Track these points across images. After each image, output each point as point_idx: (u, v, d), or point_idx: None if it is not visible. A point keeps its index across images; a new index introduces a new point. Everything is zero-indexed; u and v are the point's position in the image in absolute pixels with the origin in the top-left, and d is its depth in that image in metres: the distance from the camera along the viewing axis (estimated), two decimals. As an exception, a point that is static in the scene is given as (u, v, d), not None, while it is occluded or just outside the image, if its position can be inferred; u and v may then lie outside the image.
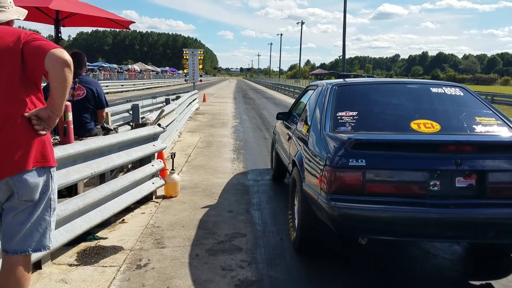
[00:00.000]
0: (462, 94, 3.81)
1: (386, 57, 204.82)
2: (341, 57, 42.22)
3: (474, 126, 3.35)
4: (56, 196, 2.11)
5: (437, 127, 3.25)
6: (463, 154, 2.80)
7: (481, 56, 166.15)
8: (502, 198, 2.79)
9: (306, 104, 4.46)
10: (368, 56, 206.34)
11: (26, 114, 1.92)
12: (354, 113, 3.44)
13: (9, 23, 2.11)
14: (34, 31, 2.27)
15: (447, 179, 2.78)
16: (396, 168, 2.83)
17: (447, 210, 2.71)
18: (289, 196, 4.09)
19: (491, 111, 3.54)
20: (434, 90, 3.87)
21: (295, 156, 3.90)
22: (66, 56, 1.87)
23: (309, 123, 3.85)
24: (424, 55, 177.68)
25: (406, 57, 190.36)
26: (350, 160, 2.80)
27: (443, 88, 3.88)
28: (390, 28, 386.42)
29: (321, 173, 2.98)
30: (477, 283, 3.13)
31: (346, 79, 4.72)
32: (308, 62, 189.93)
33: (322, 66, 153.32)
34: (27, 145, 1.92)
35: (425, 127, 3.24)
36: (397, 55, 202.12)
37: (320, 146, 3.24)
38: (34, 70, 1.94)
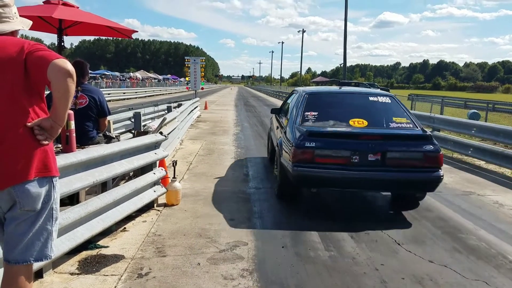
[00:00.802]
0: (390, 101, 5.52)
1: (387, 65, 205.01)
2: (342, 65, 42.34)
3: (390, 123, 5.10)
4: (58, 205, 2.11)
5: (365, 123, 4.99)
6: (373, 141, 4.63)
7: (482, 64, 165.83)
8: (395, 167, 4.59)
9: (289, 104, 6.27)
10: (369, 64, 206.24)
11: (29, 124, 1.93)
12: (316, 113, 5.22)
13: (14, 33, 2.12)
14: (37, 40, 2.28)
15: (363, 155, 4.57)
16: (333, 148, 4.63)
17: (361, 173, 4.55)
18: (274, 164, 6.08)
19: (405, 114, 5.28)
20: (371, 98, 5.58)
21: (278, 140, 5.76)
22: (69, 66, 1.88)
23: (288, 118, 5.57)
24: (425, 63, 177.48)
25: (407, 65, 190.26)
26: (306, 143, 4.59)
27: (378, 97, 5.59)
28: (391, 36, 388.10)
29: (289, 151, 4.75)
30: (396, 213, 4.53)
31: (319, 88, 7.54)
32: (309, 69, 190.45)
33: (323, 73, 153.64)
34: (29, 155, 1.92)
35: (358, 123, 4.98)
36: (398, 63, 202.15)
37: (291, 134, 4.97)
38: (37, 80, 1.95)
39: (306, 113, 5.20)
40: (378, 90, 6.35)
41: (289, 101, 6.55)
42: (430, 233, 4.35)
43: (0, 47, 1.95)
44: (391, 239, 4.14)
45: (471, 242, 4.16)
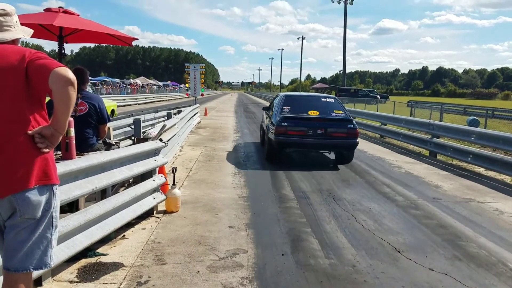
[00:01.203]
0: (333, 101, 9.15)
1: (387, 72, 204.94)
2: (341, 72, 42.44)
3: (331, 113, 8.41)
4: (58, 213, 2.11)
5: (317, 113, 8.25)
6: (321, 122, 8.01)
7: (481, 71, 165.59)
8: (332, 136, 7.87)
9: (274, 103, 9.60)
10: (369, 71, 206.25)
11: (29, 132, 1.93)
12: (289, 107, 8.46)
13: (15, 41, 2.14)
14: (37, 47, 2.28)
15: (314, 130, 7.86)
16: (298, 126, 7.97)
17: (313, 140, 7.93)
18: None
19: (342, 108, 8.70)
20: (322, 99, 9.22)
21: (266, 125, 9.30)
22: (70, 74, 1.88)
23: (273, 111, 8.99)
24: (425, 69, 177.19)
25: (406, 71, 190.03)
26: (282, 123, 7.90)
27: (327, 98, 9.33)
28: (390, 43, 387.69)
29: (273, 128, 8.07)
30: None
31: (292, 93, 12.64)
32: (308, 76, 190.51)
33: (323, 80, 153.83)
34: (29, 163, 1.92)
35: (313, 113, 8.21)
36: (397, 70, 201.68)
37: (274, 119, 8.28)
38: (38, 88, 1.95)
39: (284, 107, 8.53)
40: (327, 95, 11.15)
41: (274, 101, 9.80)
42: (430, 241, 4.34)
43: (1, 55, 1.97)
44: (391, 246, 4.13)
45: (471, 249, 4.15)
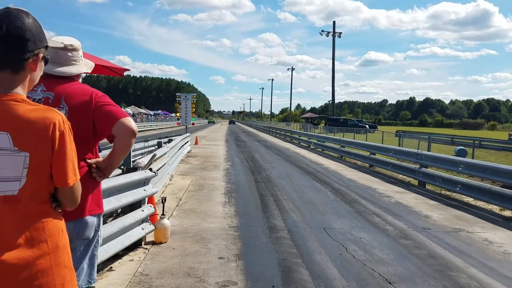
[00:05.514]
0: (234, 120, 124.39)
1: (375, 102, 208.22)
2: (330, 101, 43.13)
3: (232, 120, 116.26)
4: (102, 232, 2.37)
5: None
6: (233, 122, 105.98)
7: (468, 102, 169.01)
8: (232, 123, 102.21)
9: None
10: (357, 101, 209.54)
11: (88, 160, 2.10)
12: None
13: (78, 76, 2.28)
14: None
15: (231, 122, 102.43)
16: (230, 122, 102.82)
17: (231, 123, 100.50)
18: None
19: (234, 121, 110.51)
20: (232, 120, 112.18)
21: (228, 121, 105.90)
22: (134, 126, 2.07)
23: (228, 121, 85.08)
24: (412, 100, 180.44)
25: (394, 102, 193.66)
26: (229, 122, 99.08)
27: (233, 120, 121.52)
28: (377, 74, 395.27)
29: (228, 122, 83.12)
30: None
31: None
32: (298, 106, 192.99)
33: (312, 109, 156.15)
34: (87, 194, 2.07)
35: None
36: (385, 100, 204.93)
37: (230, 122, 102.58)
38: (101, 130, 2.13)
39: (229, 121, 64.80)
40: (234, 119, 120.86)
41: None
42: (420, 272, 4.33)
43: (71, 95, 2.13)
44: (382, 277, 4.10)
45: (462, 280, 4.13)
